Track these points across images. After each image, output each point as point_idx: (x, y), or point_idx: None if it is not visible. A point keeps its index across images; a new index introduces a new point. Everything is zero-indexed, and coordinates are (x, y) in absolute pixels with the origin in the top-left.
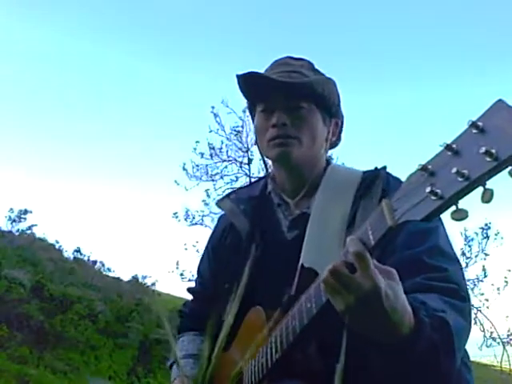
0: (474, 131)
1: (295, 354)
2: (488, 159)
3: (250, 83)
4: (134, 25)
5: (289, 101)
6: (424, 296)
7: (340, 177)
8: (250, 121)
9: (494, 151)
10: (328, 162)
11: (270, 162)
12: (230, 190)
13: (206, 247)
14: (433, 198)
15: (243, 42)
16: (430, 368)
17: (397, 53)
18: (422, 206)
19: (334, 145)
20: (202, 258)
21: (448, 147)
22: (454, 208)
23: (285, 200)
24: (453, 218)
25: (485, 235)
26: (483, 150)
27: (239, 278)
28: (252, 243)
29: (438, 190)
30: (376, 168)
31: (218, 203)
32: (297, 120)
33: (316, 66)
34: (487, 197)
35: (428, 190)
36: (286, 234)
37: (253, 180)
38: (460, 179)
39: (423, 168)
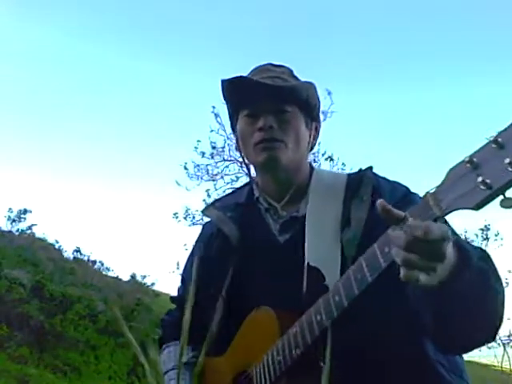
0: None
1: (313, 350)
2: None
3: (235, 87)
4: (135, 25)
5: (274, 104)
6: None
7: (327, 181)
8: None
9: None
10: (311, 165)
11: (252, 168)
12: (230, 190)
13: (191, 255)
14: (482, 187)
15: (244, 43)
16: (486, 294)
17: (396, 53)
18: (470, 195)
19: (312, 148)
20: (186, 265)
21: (494, 140)
22: (502, 197)
23: (272, 204)
24: (502, 206)
25: (485, 236)
26: None
27: (227, 283)
28: (242, 248)
29: (488, 180)
30: (360, 169)
31: (204, 211)
32: (282, 123)
33: (295, 73)
34: None
35: (479, 179)
36: (277, 238)
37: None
38: (510, 169)
39: (469, 160)
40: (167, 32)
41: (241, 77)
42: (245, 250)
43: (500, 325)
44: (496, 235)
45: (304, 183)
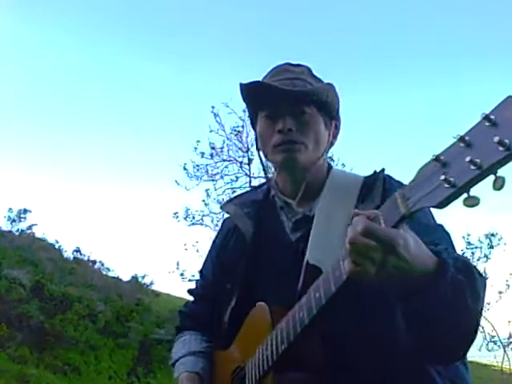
0: (487, 124)
1: (301, 345)
2: (501, 149)
3: (254, 92)
4: (136, 26)
5: (293, 107)
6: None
7: (343, 181)
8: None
9: (507, 141)
10: (329, 164)
11: (271, 166)
12: (230, 190)
13: (210, 250)
14: (446, 185)
15: (243, 43)
16: (458, 309)
17: (398, 52)
18: (435, 193)
19: (331, 145)
20: (206, 260)
21: (461, 139)
22: (465, 195)
23: (287, 202)
24: (465, 205)
25: (489, 245)
26: (497, 139)
27: (239, 278)
28: (256, 244)
29: (452, 179)
30: (375, 171)
31: (222, 207)
32: (302, 125)
33: (314, 72)
34: (498, 184)
35: (442, 178)
36: (289, 236)
37: (252, 180)
38: (473, 167)
39: (436, 159)
40: (168, 33)
41: (258, 82)
42: (258, 245)
43: (470, 344)
44: (499, 240)
45: (320, 182)
